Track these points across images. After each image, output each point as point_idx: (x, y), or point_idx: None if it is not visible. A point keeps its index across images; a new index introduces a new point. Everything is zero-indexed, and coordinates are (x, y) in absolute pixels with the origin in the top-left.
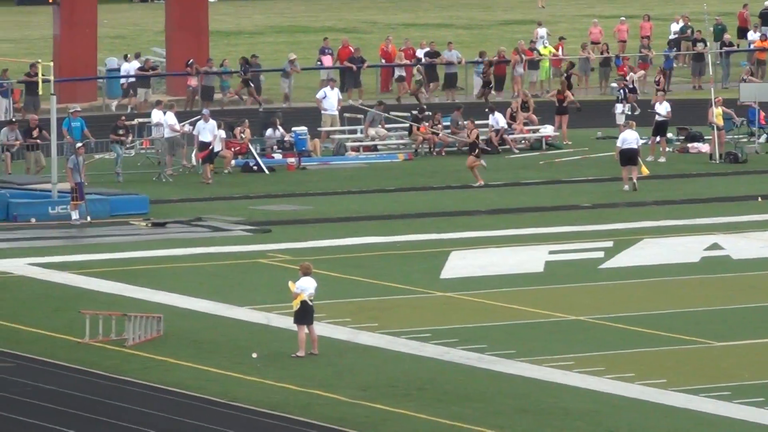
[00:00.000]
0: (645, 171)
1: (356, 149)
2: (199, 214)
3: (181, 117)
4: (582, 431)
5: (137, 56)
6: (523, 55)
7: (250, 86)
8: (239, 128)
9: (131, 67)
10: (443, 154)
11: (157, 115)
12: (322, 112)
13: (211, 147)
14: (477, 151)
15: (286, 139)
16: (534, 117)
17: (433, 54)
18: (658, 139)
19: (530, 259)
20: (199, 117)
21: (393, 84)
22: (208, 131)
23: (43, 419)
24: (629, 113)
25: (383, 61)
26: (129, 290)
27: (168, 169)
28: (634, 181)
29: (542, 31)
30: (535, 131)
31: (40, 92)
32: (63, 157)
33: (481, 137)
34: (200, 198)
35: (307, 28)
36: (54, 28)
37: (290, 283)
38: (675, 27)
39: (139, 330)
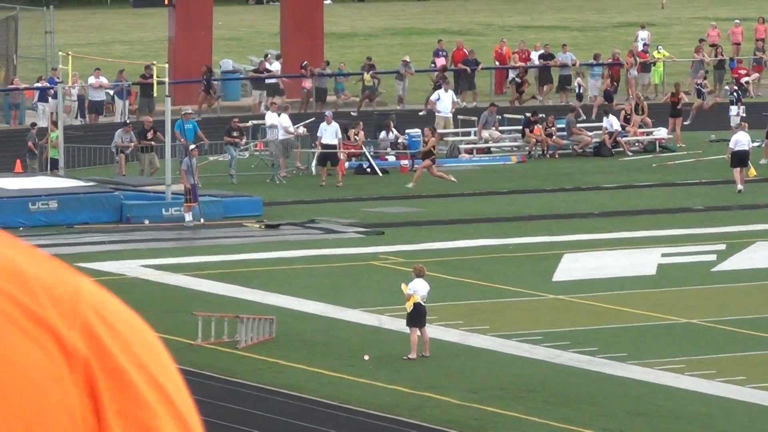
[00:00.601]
0: (753, 173)
1: (469, 151)
2: (313, 216)
3: (295, 119)
4: None
5: (278, 57)
6: (637, 58)
7: (211, 94)
8: (353, 130)
9: (274, 68)
10: (556, 156)
11: (271, 117)
12: (436, 114)
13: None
14: (433, 158)
15: (399, 141)
16: (648, 120)
17: (547, 56)
18: None
19: (642, 261)
20: (311, 119)
21: (507, 86)
22: (332, 133)
23: None
24: (743, 115)
25: (497, 63)
26: (242, 292)
27: (282, 171)
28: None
29: (643, 34)
30: (648, 134)
31: (155, 94)
32: (177, 159)
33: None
34: (313, 200)
35: (421, 30)
36: (169, 30)
37: (403, 286)
38: None
39: (252, 332)
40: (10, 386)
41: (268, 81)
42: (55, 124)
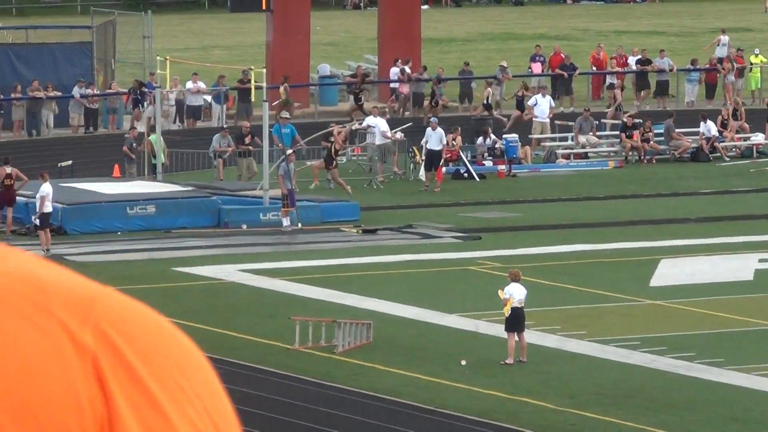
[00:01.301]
0: None
1: (567, 156)
2: (410, 221)
3: (392, 124)
4: None
5: (395, 61)
6: (734, 63)
7: (139, 108)
8: (450, 135)
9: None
10: (654, 162)
11: (369, 122)
12: (533, 119)
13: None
14: (334, 163)
15: (496, 146)
16: (746, 125)
17: (644, 61)
18: None
19: (740, 267)
20: (408, 124)
21: (604, 91)
22: (437, 139)
23: (252, 425)
24: None
25: (594, 68)
26: (339, 297)
27: (379, 175)
28: None
29: (725, 39)
30: (746, 139)
31: (253, 99)
32: (274, 163)
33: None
34: (411, 205)
35: (519, 36)
36: (267, 35)
37: (499, 292)
38: None
39: (349, 337)
40: (8, 365)
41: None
42: (153, 129)
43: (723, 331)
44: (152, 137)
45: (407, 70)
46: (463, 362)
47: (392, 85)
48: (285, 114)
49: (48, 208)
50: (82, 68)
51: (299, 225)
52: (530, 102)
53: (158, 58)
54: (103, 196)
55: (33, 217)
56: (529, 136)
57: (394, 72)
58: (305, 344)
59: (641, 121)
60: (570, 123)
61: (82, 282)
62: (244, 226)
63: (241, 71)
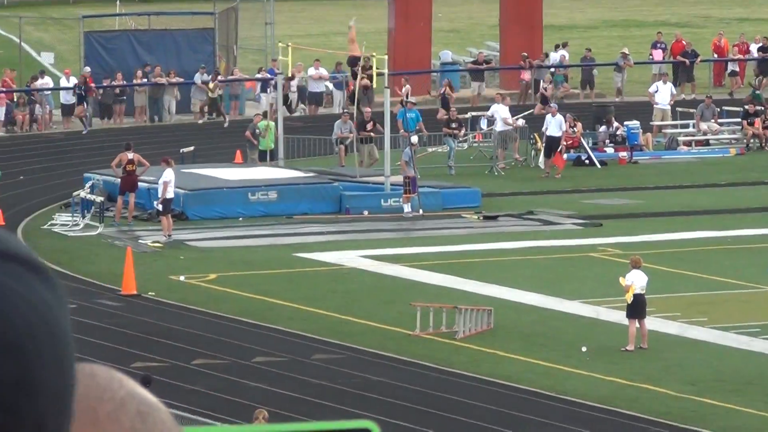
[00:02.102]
0: None
1: (688, 143)
2: (531, 208)
3: (514, 111)
4: None
5: (557, 47)
6: None
7: (84, 105)
8: (569, 121)
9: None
10: None
11: (493, 109)
12: (654, 106)
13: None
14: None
15: (618, 133)
16: None
17: (766, 49)
18: None
19: None
20: (529, 111)
21: (726, 78)
22: (556, 126)
23: (372, 411)
24: None
25: (716, 55)
26: (459, 283)
27: (500, 162)
28: None
29: None
30: None
31: (374, 85)
32: (396, 150)
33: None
34: (531, 191)
35: (640, 23)
36: (389, 22)
37: (621, 279)
38: None
39: (470, 323)
40: None
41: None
42: (265, 115)
43: None
44: (262, 123)
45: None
46: (584, 349)
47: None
48: (412, 99)
49: (170, 193)
50: (204, 54)
51: (420, 211)
52: (651, 89)
53: (280, 44)
54: (224, 181)
55: (155, 203)
56: (650, 122)
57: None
58: (426, 330)
59: (763, 108)
60: (691, 110)
61: None
62: (366, 212)
63: (364, 58)
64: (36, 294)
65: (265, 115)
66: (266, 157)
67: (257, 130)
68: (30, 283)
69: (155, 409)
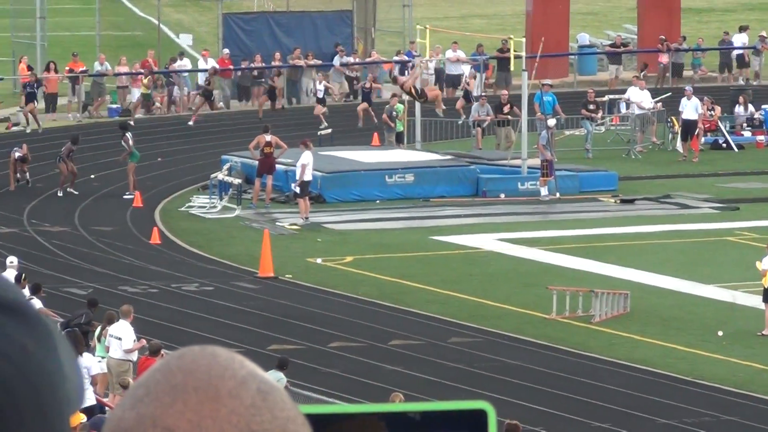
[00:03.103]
0: None
1: None
2: (668, 191)
3: (652, 94)
4: None
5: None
6: None
7: (35, 103)
8: (706, 104)
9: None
10: None
11: (631, 92)
12: None
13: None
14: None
15: (755, 116)
16: None
17: None
18: None
19: None
20: (667, 94)
21: None
22: (692, 108)
23: (508, 394)
24: None
25: None
26: (596, 266)
27: (638, 145)
28: None
29: None
30: None
31: (512, 68)
32: (533, 133)
33: None
34: (669, 175)
35: None
36: (527, 4)
37: (757, 263)
38: None
39: (606, 306)
40: None
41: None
42: (398, 96)
43: None
44: (399, 106)
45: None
46: (720, 333)
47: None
48: (547, 81)
49: (308, 176)
50: (342, 37)
51: (557, 194)
52: None
53: (418, 26)
54: (362, 164)
55: (293, 185)
56: None
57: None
58: (562, 314)
59: None
60: None
61: None
62: (503, 195)
63: (501, 40)
64: (10, 341)
65: (398, 97)
66: (403, 139)
67: (394, 113)
68: (3, 329)
69: (274, 388)
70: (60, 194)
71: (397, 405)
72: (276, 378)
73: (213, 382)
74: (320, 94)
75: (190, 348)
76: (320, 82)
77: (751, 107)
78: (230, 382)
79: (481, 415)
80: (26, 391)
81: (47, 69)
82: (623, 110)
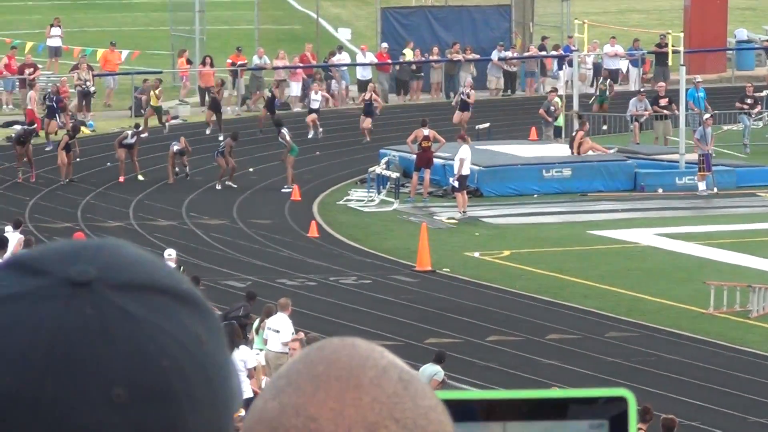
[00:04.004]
0: None
1: None
2: None
3: None
4: None
5: None
6: None
7: (57, 119)
8: None
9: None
10: None
11: None
12: None
13: None
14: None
15: None
16: None
17: None
18: None
19: None
20: None
21: None
22: None
23: (665, 389)
24: None
25: None
26: (753, 262)
27: None
28: None
29: None
30: None
31: (670, 63)
32: (690, 128)
33: None
34: None
35: None
36: (685, 0)
37: None
38: None
39: (764, 301)
40: None
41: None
42: (555, 91)
43: None
44: (556, 100)
45: None
46: None
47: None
48: (698, 78)
49: (466, 170)
50: (500, 31)
51: (715, 189)
52: None
53: (576, 21)
54: (519, 158)
55: (450, 179)
56: None
57: None
58: (719, 309)
59: None
60: None
61: None
62: (660, 190)
63: (659, 35)
64: (185, 329)
65: (556, 91)
66: (561, 133)
67: (551, 108)
68: (178, 316)
69: (415, 377)
70: (218, 187)
71: (536, 392)
72: (433, 372)
73: (355, 371)
74: (314, 105)
75: (330, 339)
76: (316, 92)
77: None
78: (372, 372)
79: (622, 402)
80: (200, 379)
81: (203, 63)
82: None
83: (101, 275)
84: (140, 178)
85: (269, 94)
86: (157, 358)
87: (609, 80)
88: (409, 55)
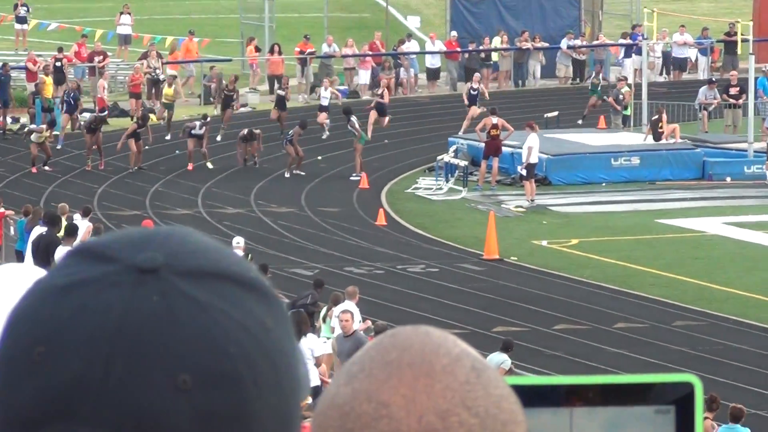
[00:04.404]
0: None
1: None
2: None
3: None
4: None
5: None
6: None
7: (77, 115)
8: None
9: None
10: None
11: None
12: None
13: None
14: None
15: None
16: None
17: None
18: None
19: None
20: None
21: None
22: None
23: (732, 377)
24: None
25: None
26: None
27: None
28: None
29: None
30: None
31: (739, 51)
32: (759, 116)
33: None
34: None
35: None
36: None
37: None
38: None
39: None
40: None
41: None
42: (624, 80)
43: None
44: (625, 88)
45: None
46: None
47: None
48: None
49: (534, 158)
50: (569, 20)
51: None
52: None
53: (645, 9)
54: (587, 147)
55: (519, 168)
56: None
57: None
58: None
59: None
60: None
61: None
62: (728, 179)
63: (728, 24)
64: (252, 316)
65: (625, 80)
66: (629, 122)
67: (620, 96)
68: (245, 303)
69: (487, 366)
70: (287, 175)
71: (603, 378)
72: (500, 360)
73: (427, 358)
74: (324, 102)
75: (402, 327)
76: (326, 88)
77: None
78: (444, 359)
79: (688, 387)
80: (266, 366)
81: (271, 51)
82: None
83: (169, 262)
84: (209, 166)
85: (282, 93)
86: (223, 345)
87: (601, 74)
88: (496, 42)
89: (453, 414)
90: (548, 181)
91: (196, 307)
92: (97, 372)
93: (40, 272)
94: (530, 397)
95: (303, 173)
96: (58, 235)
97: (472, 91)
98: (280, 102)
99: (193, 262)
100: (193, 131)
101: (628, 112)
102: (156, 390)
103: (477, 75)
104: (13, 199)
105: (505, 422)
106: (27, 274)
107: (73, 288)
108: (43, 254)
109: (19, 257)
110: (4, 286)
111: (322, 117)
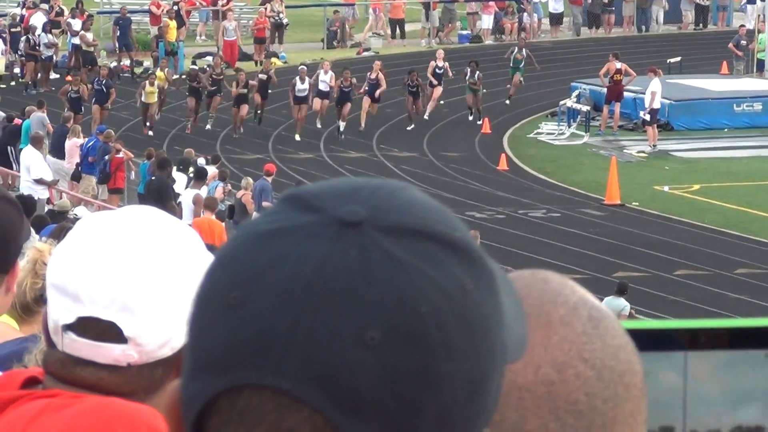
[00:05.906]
0: None
1: None
2: None
3: None
4: None
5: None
6: None
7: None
8: None
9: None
10: None
11: None
12: None
13: None
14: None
15: None
16: None
17: None
18: None
19: None
20: None
21: None
22: None
23: None
24: None
25: None
26: None
27: None
28: None
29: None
30: None
31: None
32: None
33: None
34: None
35: None
36: None
37: None
38: None
39: None
40: None
41: None
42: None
43: None
44: (761, 35)
45: None
46: None
47: None
48: None
49: (657, 104)
50: None
51: None
52: None
53: None
54: (710, 92)
55: (641, 113)
56: None
57: None
58: None
59: None
60: None
61: None
62: None
63: None
64: (450, 277)
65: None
66: (764, 66)
67: (742, 42)
68: (444, 264)
69: (605, 315)
70: (426, 117)
71: (716, 321)
72: (620, 306)
73: (545, 308)
74: (324, 87)
75: (521, 272)
76: (326, 72)
77: None
78: (562, 309)
79: None
80: (460, 328)
81: None
82: None
83: (372, 216)
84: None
85: (264, 77)
86: (417, 304)
87: (525, 49)
88: None
89: (570, 366)
90: (670, 127)
91: (392, 264)
92: (286, 322)
93: (163, 214)
94: (644, 340)
95: (426, 117)
96: (167, 178)
97: (437, 70)
98: (263, 87)
99: (396, 218)
100: (298, 94)
101: (763, 56)
102: (343, 344)
103: (441, 52)
104: (135, 142)
105: (622, 373)
106: (149, 215)
107: (275, 235)
108: (155, 196)
109: (142, 200)
110: (127, 227)
111: (324, 105)
